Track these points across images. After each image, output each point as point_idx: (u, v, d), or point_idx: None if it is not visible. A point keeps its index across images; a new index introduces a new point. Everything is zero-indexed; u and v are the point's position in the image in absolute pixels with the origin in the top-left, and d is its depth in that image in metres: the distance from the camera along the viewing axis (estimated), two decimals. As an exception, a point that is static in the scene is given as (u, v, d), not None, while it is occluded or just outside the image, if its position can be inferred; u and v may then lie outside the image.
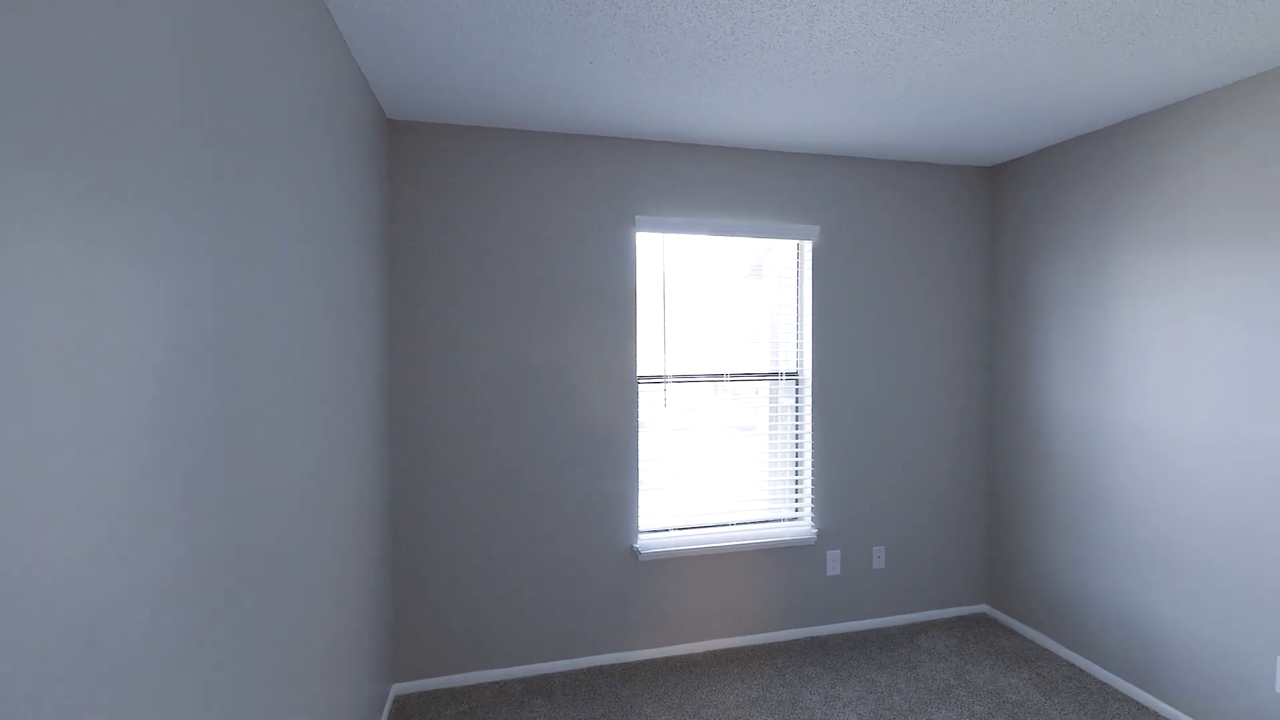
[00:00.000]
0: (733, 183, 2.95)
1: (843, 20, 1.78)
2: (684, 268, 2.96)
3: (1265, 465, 2.12)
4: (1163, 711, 2.43)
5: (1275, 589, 2.09)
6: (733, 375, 3.03)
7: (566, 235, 2.76)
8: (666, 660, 2.88)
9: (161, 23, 0.86)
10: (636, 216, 2.82)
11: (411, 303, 2.60)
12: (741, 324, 3.06)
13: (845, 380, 3.13)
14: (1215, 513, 2.27)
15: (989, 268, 3.33)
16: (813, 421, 3.09)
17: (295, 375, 1.40)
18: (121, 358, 0.77)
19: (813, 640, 3.07)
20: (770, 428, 3.13)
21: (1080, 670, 2.76)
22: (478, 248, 2.66)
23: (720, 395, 3.07)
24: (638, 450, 2.87)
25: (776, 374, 3.11)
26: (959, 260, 3.28)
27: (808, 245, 3.08)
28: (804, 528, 3.11)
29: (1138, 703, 2.51)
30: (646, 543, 2.89)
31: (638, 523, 2.89)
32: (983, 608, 3.36)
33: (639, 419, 2.89)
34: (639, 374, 2.89)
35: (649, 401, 2.93)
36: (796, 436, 3.13)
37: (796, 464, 3.14)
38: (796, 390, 3.14)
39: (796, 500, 3.14)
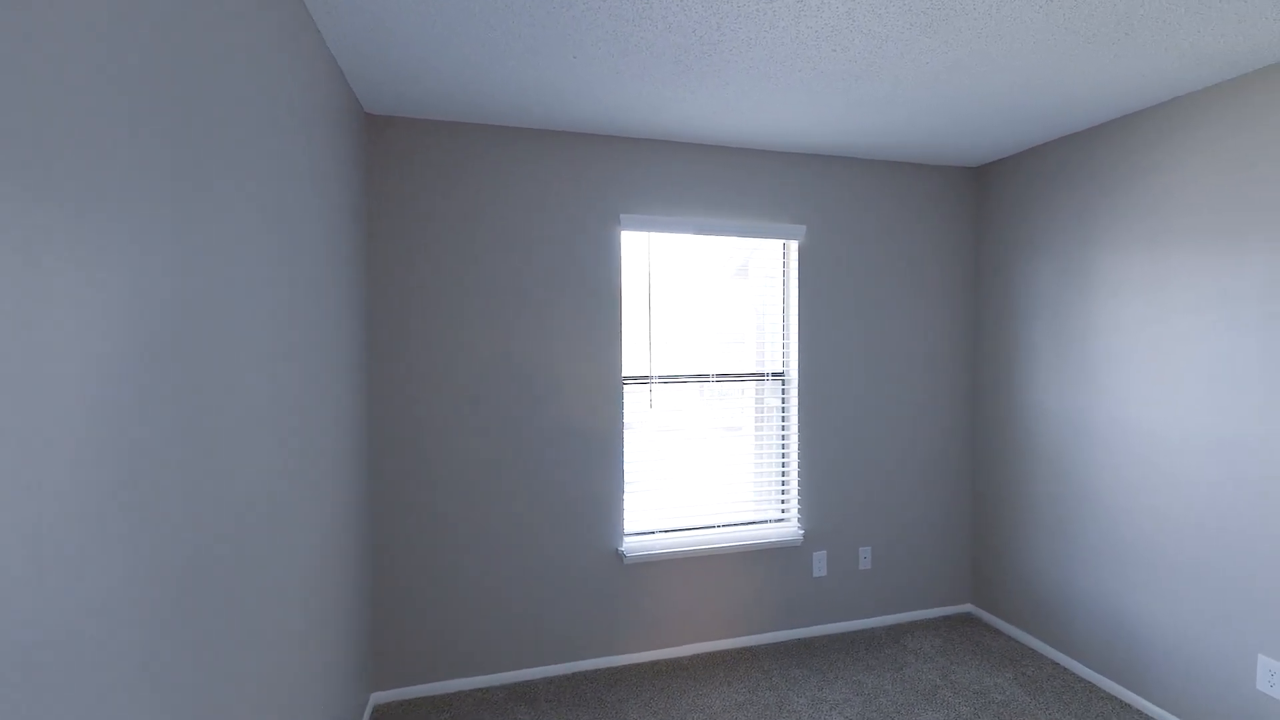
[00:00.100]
0: (718, 182, 2.92)
1: (830, 16, 1.75)
2: (669, 267, 2.93)
3: (1245, 465, 2.13)
4: (1146, 710, 2.44)
5: (1256, 587, 2.11)
6: (719, 376, 3.01)
7: (550, 234, 2.71)
8: (653, 664, 2.84)
9: (106, 3, 0.81)
10: (621, 215, 2.78)
11: (391, 302, 2.54)
12: (727, 324, 3.04)
13: (831, 380, 3.12)
14: (1197, 512, 2.28)
15: (974, 268, 3.34)
16: (799, 422, 3.08)
17: (262, 375, 1.35)
18: (64, 359, 0.71)
19: (799, 642, 3.05)
20: (756, 428, 3.11)
21: (1065, 669, 2.77)
22: (460, 246, 2.61)
23: (706, 396, 3.04)
24: (623, 452, 2.83)
25: (763, 374, 3.09)
26: (944, 261, 3.29)
27: (794, 245, 3.06)
28: (790, 529, 3.09)
29: (1122, 701, 2.52)
30: (632, 545, 2.85)
31: (623, 525, 2.85)
32: (968, 607, 3.37)
33: (624, 420, 2.85)
34: (624, 374, 2.86)
35: (634, 402, 2.89)
36: (783, 437, 3.11)
37: (783, 465, 3.12)
38: (783, 390, 3.12)
39: (783, 501, 3.12)
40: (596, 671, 2.78)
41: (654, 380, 2.91)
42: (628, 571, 2.85)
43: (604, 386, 2.80)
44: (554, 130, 2.69)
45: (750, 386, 3.10)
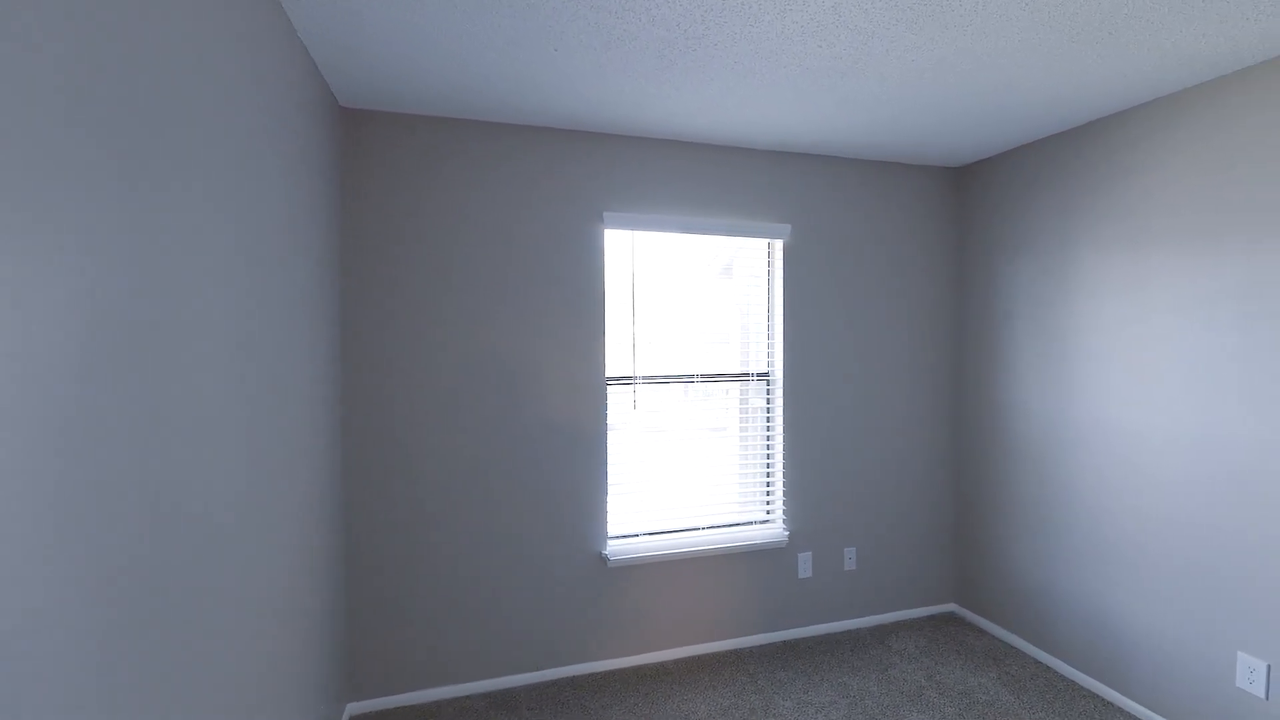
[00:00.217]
0: (703, 180, 2.89)
1: (815, 11, 1.73)
2: (654, 267, 2.89)
3: (1224, 464, 2.14)
4: (1128, 708, 2.45)
5: (1235, 585, 2.12)
6: (703, 376, 2.97)
7: (532, 231, 2.66)
8: (637, 669, 2.80)
9: (48, -28, 0.74)
10: (605, 213, 2.73)
11: (368, 298, 2.47)
12: (712, 324, 3.01)
13: (816, 380, 3.10)
14: (1177, 511, 2.29)
15: (957, 268, 3.34)
16: (784, 422, 3.05)
17: (223, 373, 1.28)
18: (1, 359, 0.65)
19: (785, 644, 3.03)
20: (741, 429, 3.08)
21: (1048, 668, 2.78)
22: (440, 243, 2.54)
23: (691, 396, 3.00)
24: (606, 454, 2.79)
25: (747, 375, 3.06)
26: (928, 261, 3.29)
27: (778, 244, 3.04)
28: (776, 530, 3.07)
29: (1104, 699, 2.53)
30: (616, 549, 2.80)
31: (606, 528, 2.80)
32: (951, 606, 3.38)
33: (608, 421, 2.81)
34: (608, 375, 2.81)
35: (618, 403, 2.84)
36: (768, 438, 3.09)
37: (768, 465, 3.09)
38: (767, 391, 3.10)
39: (768, 502, 3.10)
40: (579, 678, 2.73)
41: (638, 381, 2.87)
42: (611, 575, 2.80)
43: (587, 387, 2.75)
44: (536, 126, 2.64)
45: (735, 387, 3.07)
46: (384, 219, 2.48)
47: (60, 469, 0.76)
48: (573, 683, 2.69)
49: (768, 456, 3.09)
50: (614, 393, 2.83)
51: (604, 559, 2.78)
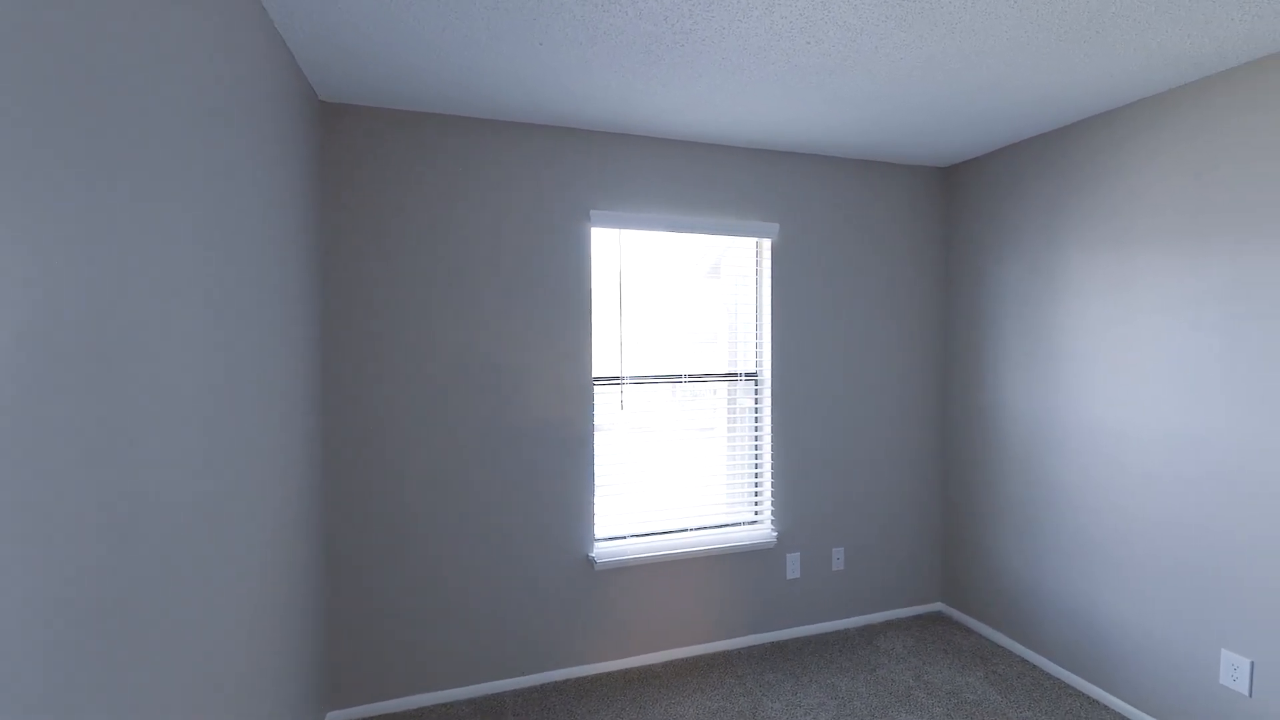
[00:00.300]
0: (691, 178, 2.86)
1: (804, 6, 1.70)
2: (641, 266, 2.86)
3: (1209, 463, 2.15)
4: (1114, 706, 2.46)
5: (1220, 583, 2.13)
6: (691, 376, 2.95)
7: (517, 228, 2.62)
8: (624, 673, 2.77)
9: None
10: (592, 211, 2.70)
11: (349, 296, 2.41)
12: (700, 324, 2.98)
13: (804, 380, 3.09)
14: (1163, 510, 2.30)
15: (944, 268, 3.35)
16: (772, 422, 3.04)
17: (190, 375, 1.23)
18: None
19: (773, 645, 3.01)
20: (729, 429, 3.06)
21: (1034, 667, 2.78)
22: (423, 240, 2.49)
23: (679, 397, 2.98)
24: (593, 455, 2.75)
25: (735, 375, 3.04)
26: (915, 261, 3.29)
27: (766, 243, 3.02)
28: (764, 531, 3.05)
29: (1090, 698, 2.54)
30: (603, 551, 2.77)
31: (594, 530, 2.77)
32: (938, 606, 3.38)
33: (595, 422, 2.77)
34: (595, 375, 2.77)
35: (605, 404, 2.81)
36: (756, 438, 3.07)
37: (756, 466, 3.07)
38: (756, 391, 3.08)
39: (756, 503, 3.08)
40: (566, 682, 2.70)
41: (625, 381, 2.83)
42: (599, 578, 2.77)
43: (574, 387, 2.71)
44: (522, 122, 2.60)
45: (723, 387, 3.05)
46: (366, 216, 2.43)
47: (6, 474, 0.71)
48: (559, 687, 2.65)
49: (756, 456, 3.07)
50: (601, 393, 2.79)
51: (591, 561, 2.74)
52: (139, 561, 1.01)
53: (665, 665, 2.83)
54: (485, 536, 2.60)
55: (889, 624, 3.23)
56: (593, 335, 2.75)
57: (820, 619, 3.16)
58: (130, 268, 0.99)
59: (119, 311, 0.96)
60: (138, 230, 1.01)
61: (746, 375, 3.06)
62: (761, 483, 3.08)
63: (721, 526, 3.01)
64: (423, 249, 2.49)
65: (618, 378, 2.82)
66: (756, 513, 3.08)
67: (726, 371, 3.03)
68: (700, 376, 2.96)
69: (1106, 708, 2.47)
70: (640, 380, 2.86)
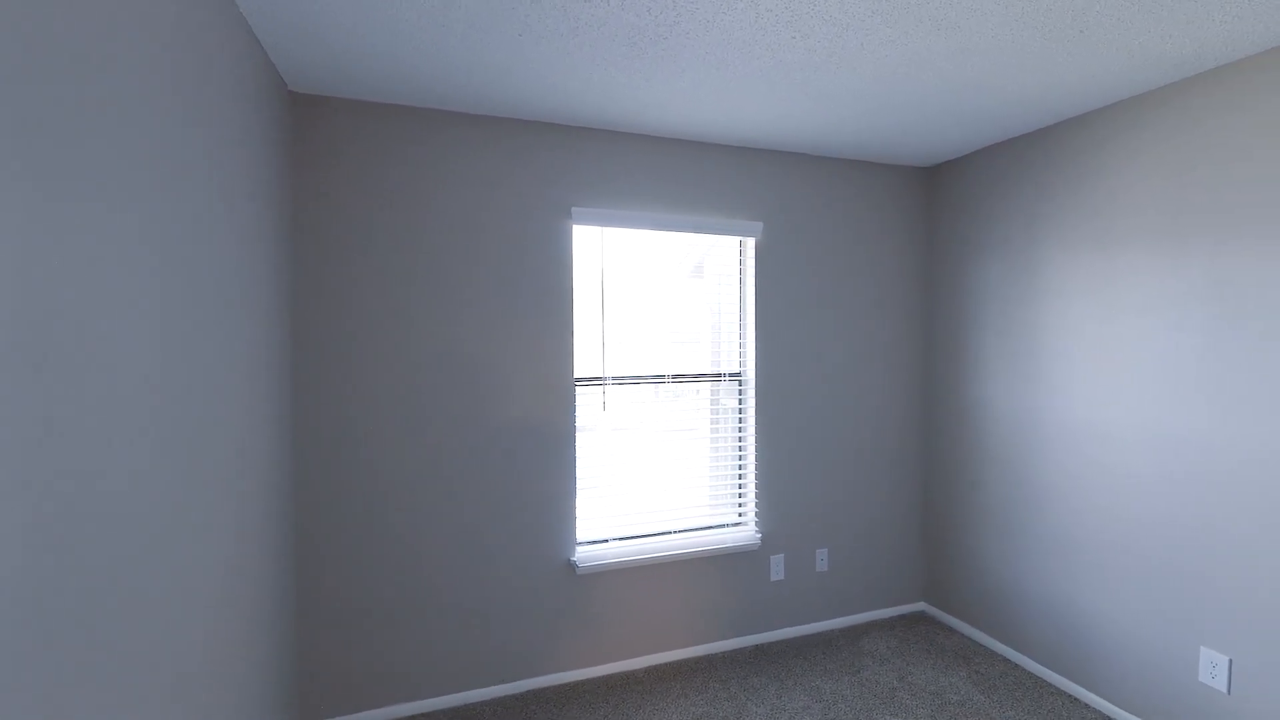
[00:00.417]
0: (675, 176, 2.82)
1: (790, -1, 1.67)
2: (624, 265, 2.81)
3: (1189, 463, 2.17)
4: (1095, 704, 2.47)
5: (1199, 581, 2.15)
6: (674, 376, 2.91)
7: (497, 225, 2.55)
8: (606, 679, 2.72)
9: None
10: (573, 208, 2.64)
11: (322, 294, 2.33)
12: (683, 323, 2.94)
13: (788, 380, 3.06)
14: (1144, 509, 2.32)
15: (927, 268, 3.35)
16: (756, 423, 3.01)
17: (139, 375, 1.16)
18: None
19: (757, 649, 2.98)
20: (712, 430, 3.02)
21: (1016, 666, 2.79)
22: (399, 236, 2.42)
23: (662, 397, 2.94)
24: (575, 457, 2.70)
25: (719, 375, 3.01)
26: (899, 261, 3.29)
27: (751, 242, 2.99)
28: (748, 533, 3.02)
29: (1071, 696, 2.55)
30: (584, 555, 2.72)
31: (575, 534, 2.71)
32: (921, 606, 3.38)
33: (576, 423, 2.72)
34: (576, 375, 2.72)
35: (587, 405, 2.76)
36: (739, 438, 3.04)
37: (740, 467, 3.04)
38: (739, 391, 3.05)
39: (740, 504, 3.05)
40: (547, 690, 2.64)
41: (607, 381, 2.78)
42: (580, 582, 2.72)
43: (555, 387, 2.65)
44: (502, 117, 2.54)
45: (706, 388, 3.01)
46: (340, 210, 2.35)
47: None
48: (540, 695, 2.60)
49: (740, 458, 3.05)
50: (583, 393, 2.74)
51: (572, 565, 2.69)
52: (75, 569, 0.94)
53: (648, 670, 2.79)
54: (463, 541, 2.54)
55: (872, 625, 3.22)
56: (574, 335, 2.69)
57: (804, 621, 3.14)
58: (71, 271, 0.92)
59: (54, 311, 0.88)
60: (77, 227, 0.94)
61: (730, 376, 3.02)
62: (745, 484, 3.05)
63: (705, 529, 2.97)
64: (398, 245, 2.42)
65: (600, 378, 2.77)
66: (740, 514, 3.05)
67: (710, 372, 3.00)
68: (683, 377, 2.93)
69: (1088, 706, 2.49)
70: (623, 380, 2.81)
